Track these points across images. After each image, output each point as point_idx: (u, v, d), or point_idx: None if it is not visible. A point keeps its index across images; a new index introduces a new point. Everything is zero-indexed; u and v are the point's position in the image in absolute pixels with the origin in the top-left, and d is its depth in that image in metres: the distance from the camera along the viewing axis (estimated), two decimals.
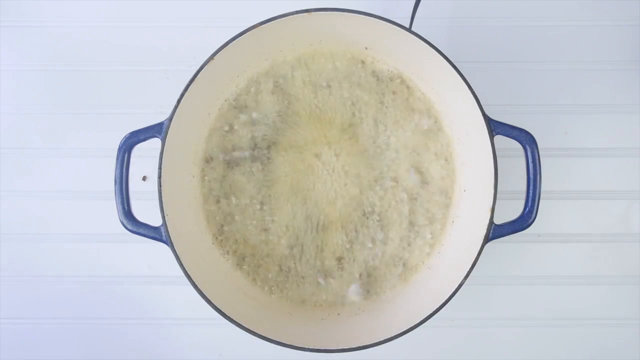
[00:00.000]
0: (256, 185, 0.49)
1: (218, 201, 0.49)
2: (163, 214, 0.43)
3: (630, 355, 0.53)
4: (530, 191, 0.43)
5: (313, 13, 0.43)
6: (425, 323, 0.42)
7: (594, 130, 0.54)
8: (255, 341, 0.43)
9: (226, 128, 0.49)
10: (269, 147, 0.49)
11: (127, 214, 0.44)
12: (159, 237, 0.43)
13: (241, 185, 0.49)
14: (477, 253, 0.43)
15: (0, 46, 0.55)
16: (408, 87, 0.49)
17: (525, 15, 0.55)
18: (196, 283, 0.43)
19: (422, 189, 0.49)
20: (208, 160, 0.49)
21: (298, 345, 0.43)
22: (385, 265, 0.49)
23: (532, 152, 0.43)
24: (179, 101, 0.43)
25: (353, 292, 0.49)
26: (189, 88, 0.43)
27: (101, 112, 0.54)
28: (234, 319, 0.43)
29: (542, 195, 0.43)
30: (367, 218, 0.49)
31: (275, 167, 0.49)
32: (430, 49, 0.43)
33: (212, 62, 0.43)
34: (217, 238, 0.49)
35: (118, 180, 0.44)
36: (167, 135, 0.43)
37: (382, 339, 0.43)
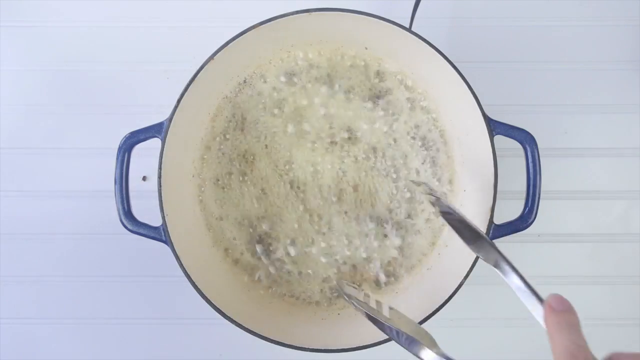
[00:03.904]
0: (256, 183, 0.49)
1: (218, 200, 0.49)
2: (163, 214, 0.43)
3: None
4: (530, 191, 0.43)
5: (313, 13, 0.43)
6: (425, 323, 0.42)
7: (594, 130, 0.54)
8: (255, 341, 0.43)
9: (225, 128, 0.49)
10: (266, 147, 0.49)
11: (127, 214, 0.44)
12: (159, 237, 0.43)
13: (241, 184, 0.49)
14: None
15: (1, 46, 0.55)
16: (408, 87, 0.49)
17: (525, 15, 0.55)
18: (196, 283, 0.43)
19: (421, 189, 0.49)
20: (206, 160, 0.49)
21: (298, 345, 0.43)
22: (384, 266, 0.49)
23: (532, 152, 0.43)
24: (179, 101, 0.43)
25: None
26: (189, 88, 0.43)
27: (101, 112, 0.54)
28: (234, 319, 0.43)
29: (542, 195, 0.43)
30: (368, 217, 0.49)
31: (271, 168, 0.49)
32: (430, 49, 0.43)
33: (212, 62, 0.43)
34: (217, 238, 0.50)
35: (118, 180, 0.44)
36: (167, 135, 0.43)
37: (382, 339, 0.43)
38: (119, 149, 0.44)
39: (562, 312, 0.33)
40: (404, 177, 0.49)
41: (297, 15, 0.43)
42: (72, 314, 0.54)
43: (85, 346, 0.54)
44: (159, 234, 0.43)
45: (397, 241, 0.49)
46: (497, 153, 0.43)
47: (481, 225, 0.43)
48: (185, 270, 0.43)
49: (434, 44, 0.43)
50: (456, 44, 0.54)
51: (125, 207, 0.44)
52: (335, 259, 0.49)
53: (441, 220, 0.49)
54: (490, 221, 0.43)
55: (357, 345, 0.43)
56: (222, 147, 0.49)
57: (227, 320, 0.43)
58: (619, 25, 0.55)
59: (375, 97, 0.49)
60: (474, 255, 0.43)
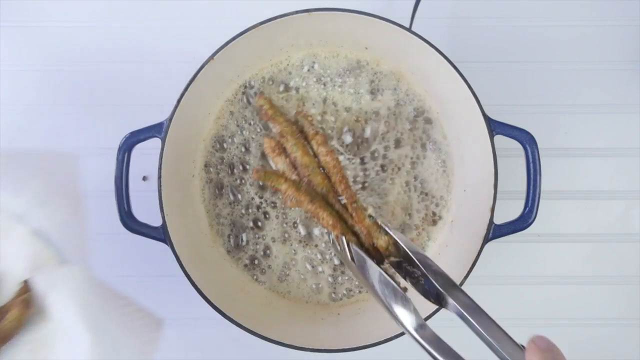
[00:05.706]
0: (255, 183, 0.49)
1: (217, 200, 0.49)
2: (163, 214, 0.43)
3: (630, 355, 0.53)
4: (530, 191, 0.43)
5: (313, 13, 0.43)
6: (428, 321, 0.42)
7: (594, 130, 0.54)
8: (255, 341, 0.43)
9: (225, 128, 0.49)
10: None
11: (127, 214, 0.44)
12: (159, 237, 0.43)
13: (241, 185, 0.49)
14: (477, 253, 0.43)
15: (0, 46, 0.55)
16: (407, 87, 0.49)
17: (525, 15, 0.55)
18: (196, 283, 0.43)
19: (421, 189, 0.49)
20: (208, 162, 0.49)
21: (298, 345, 0.43)
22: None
23: (532, 152, 0.43)
24: (178, 101, 0.43)
25: None
26: (189, 88, 0.43)
27: (101, 112, 0.54)
28: (234, 319, 0.43)
29: (542, 195, 0.43)
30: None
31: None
32: (430, 48, 0.43)
33: (212, 62, 0.43)
34: (217, 237, 0.50)
35: (118, 180, 0.44)
36: (167, 135, 0.43)
37: (382, 339, 0.43)
38: (119, 149, 0.44)
39: (549, 350, 0.30)
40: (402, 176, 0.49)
41: (297, 15, 0.43)
42: None
43: None
44: (159, 234, 0.43)
45: None
46: (497, 153, 0.43)
47: (481, 225, 0.43)
48: (185, 270, 0.43)
49: (434, 44, 0.43)
50: (456, 44, 0.54)
51: (125, 207, 0.44)
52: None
53: (439, 225, 0.49)
54: (490, 221, 0.43)
55: (357, 345, 0.43)
56: (223, 147, 0.49)
57: (227, 320, 0.43)
58: (619, 25, 0.55)
59: (375, 92, 0.49)
60: (474, 255, 0.43)
